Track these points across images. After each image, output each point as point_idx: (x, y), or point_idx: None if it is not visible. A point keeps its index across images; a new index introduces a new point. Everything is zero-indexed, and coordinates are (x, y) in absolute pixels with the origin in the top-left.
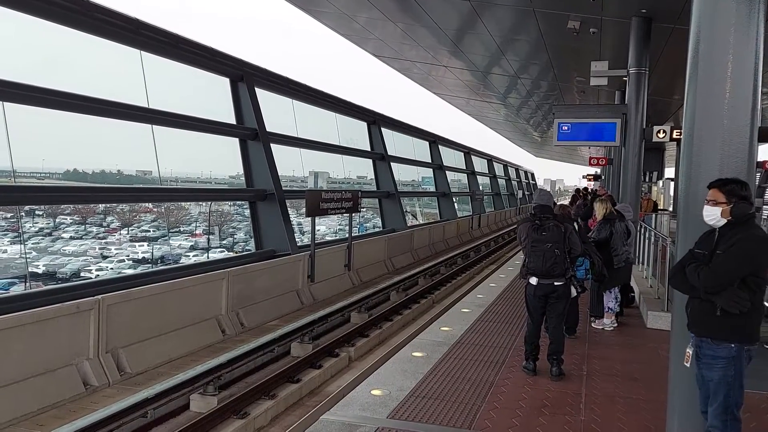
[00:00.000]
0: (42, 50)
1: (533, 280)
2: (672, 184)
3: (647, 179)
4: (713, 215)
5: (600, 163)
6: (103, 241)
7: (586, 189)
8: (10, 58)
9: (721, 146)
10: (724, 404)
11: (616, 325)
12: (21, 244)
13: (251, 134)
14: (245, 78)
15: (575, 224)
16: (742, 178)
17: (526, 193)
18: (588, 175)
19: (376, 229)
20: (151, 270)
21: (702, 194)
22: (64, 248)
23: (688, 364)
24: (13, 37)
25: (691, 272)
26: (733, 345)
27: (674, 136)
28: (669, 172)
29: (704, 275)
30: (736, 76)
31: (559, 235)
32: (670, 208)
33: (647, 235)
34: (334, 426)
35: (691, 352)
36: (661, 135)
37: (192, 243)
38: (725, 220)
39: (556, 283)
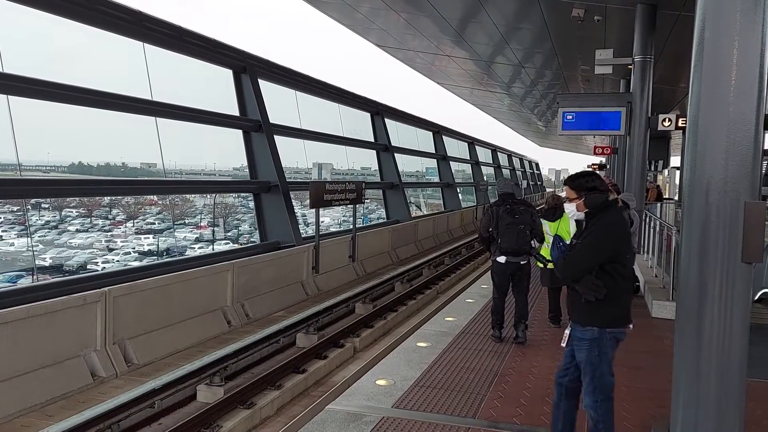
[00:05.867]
0: (45, 43)
1: (501, 259)
2: (677, 172)
3: (653, 168)
4: (572, 211)
5: (605, 152)
6: (109, 233)
7: None
8: (13, 52)
9: (726, 134)
10: (592, 384)
11: None
12: (28, 237)
13: (255, 126)
14: (248, 69)
15: None
16: (747, 167)
17: (531, 183)
18: (593, 164)
19: (381, 221)
20: (156, 262)
21: (708, 183)
22: (70, 241)
23: (564, 345)
24: (15, 30)
25: (559, 263)
26: (595, 328)
27: (680, 124)
28: (675, 160)
29: (562, 265)
30: (742, 63)
31: (530, 218)
32: (676, 197)
33: (652, 224)
34: (339, 415)
35: (567, 334)
36: (666, 123)
37: (197, 235)
38: (582, 213)
39: (521, 263)
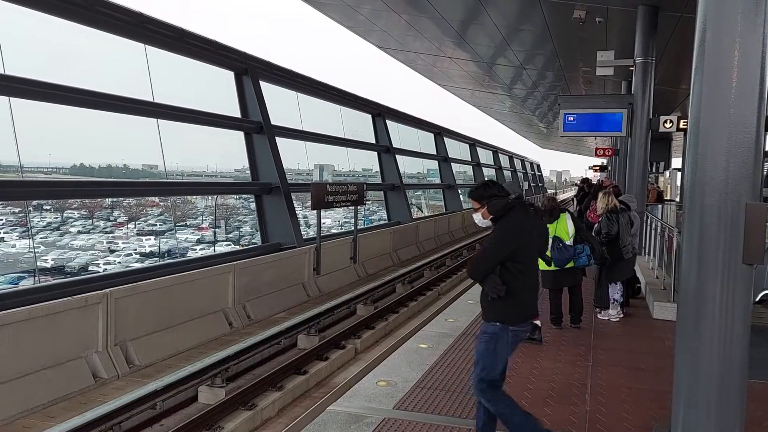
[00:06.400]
0: (47, 45)
1: None
2: (679, 174)
3: (654, 170)
4: (479, 219)
5: (606, 153)
6: (111, 235)
7: (587, 180)
8: (15, 53)
9: (727, 136)
10: (481, 373)
11: (621, 315)
12: (29, 238)
13: (256, 128)
14: (249, 71)
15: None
16: (748, 168)
17: (532, 184)
18: (594, 165)
19: (382, 222)
20: (158, 263)
21: (709, 184)
22: (71, 242)
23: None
24: (17, 32)
25: (468, 264)
26: (497, 324)
27: (681, 126)
28: (676, 162)
29: (469, 266)
30: (743, 64)
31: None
32: (677, 198)
33: (653, 226)
34: (340, 417)
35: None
36: (667, 125)
37: (198, 236)
38: (488, 220)
39: None
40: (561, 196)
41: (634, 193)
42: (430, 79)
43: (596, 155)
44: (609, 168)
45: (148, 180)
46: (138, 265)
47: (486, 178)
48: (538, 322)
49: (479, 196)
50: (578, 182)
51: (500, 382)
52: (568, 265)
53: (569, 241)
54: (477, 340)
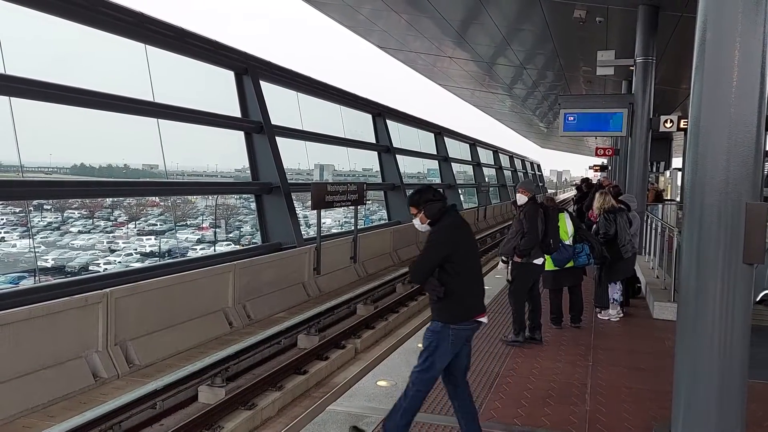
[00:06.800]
0: (48, 46)
1: (540, 260)
2: (679, 174)
3: (654, 169)
4: (418, 224)
5: (606, 153)
6: (111, 234)
7: (587, 180)
8: (16, 54)
9: (728, 135)
10: (422, 365)
11: (621, 315)
12: (30, 238)
13: (256, 127)
14: (250, 71)
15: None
16: (748, 168)
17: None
18: (594, 165)
19: (382, 222)
20: (158, 263)
21: (710, 184)
22: (72, 242)
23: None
24: (18, 33)
25: (410, 268)
26: (439, 323)
27: (681, 125)
28: (676, 162)
29: (409, 270)
30: (744, 64)
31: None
32: (678, 198)
33: (654, 225)
34: (340, 416)
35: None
36: (668, 125)
37: (199, 236)
38: (426, 225)
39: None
40: (561, 196)
41: (634, 192)
42: (430, 79)
43: (596, 155)
44: (609, 168)
45: (148, 180)
46: (138, 265)
47: (427, 184)
48: (483, 320)
49: (416, 202)
50: (578, 182)
51: (460, 381)
52: (568, 265)
53: (569, 241)
54: (424, 336)
